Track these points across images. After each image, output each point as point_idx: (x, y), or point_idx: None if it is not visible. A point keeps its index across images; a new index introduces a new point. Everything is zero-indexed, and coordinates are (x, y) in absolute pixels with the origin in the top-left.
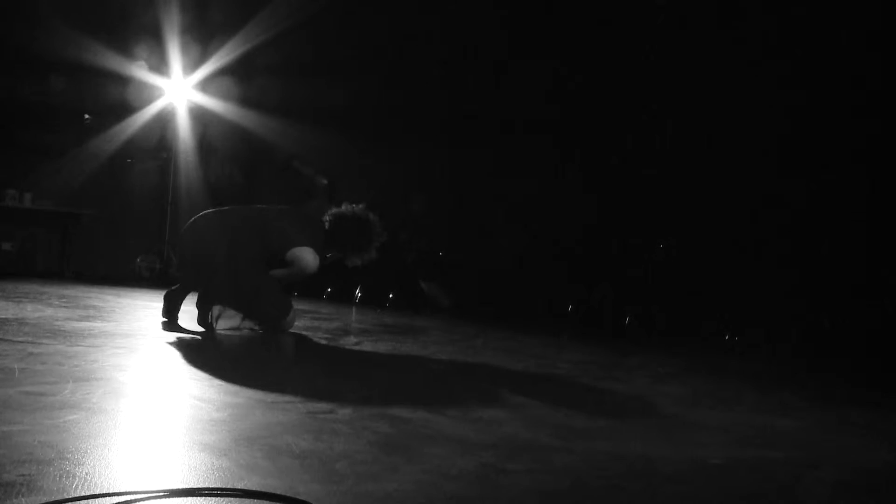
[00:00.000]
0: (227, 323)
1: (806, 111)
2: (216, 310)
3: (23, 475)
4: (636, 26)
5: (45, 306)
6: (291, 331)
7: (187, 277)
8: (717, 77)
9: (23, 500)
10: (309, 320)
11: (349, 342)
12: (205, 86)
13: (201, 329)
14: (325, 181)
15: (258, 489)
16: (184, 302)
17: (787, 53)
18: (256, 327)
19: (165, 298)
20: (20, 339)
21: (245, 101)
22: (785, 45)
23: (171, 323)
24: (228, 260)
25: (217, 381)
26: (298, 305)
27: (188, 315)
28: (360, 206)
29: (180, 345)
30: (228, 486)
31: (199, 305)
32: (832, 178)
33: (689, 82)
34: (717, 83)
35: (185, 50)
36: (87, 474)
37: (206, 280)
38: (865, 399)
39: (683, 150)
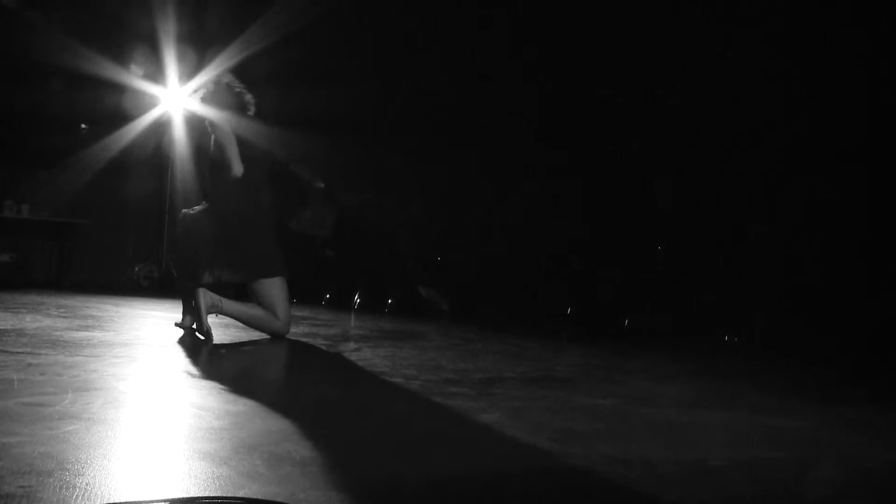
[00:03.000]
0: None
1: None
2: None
3: (23, 487)
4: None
5: (43, 316)
6: (289, 337)
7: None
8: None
9: None
10: (308, 326)
11: (348, 348)
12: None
13: (201, 337)
14: (322, 184)
15: (259, 497)
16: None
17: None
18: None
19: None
20: (19, 349)
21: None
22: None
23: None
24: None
25: (217, 390)
26: (297, 312)
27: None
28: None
29: (180, 353)
30: (229, 495)
31: (197, 314)
32: (829, 176)
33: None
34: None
35: (181, 58)
36: (87, 485)
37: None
38: (865, 397)
39: (679, 154)
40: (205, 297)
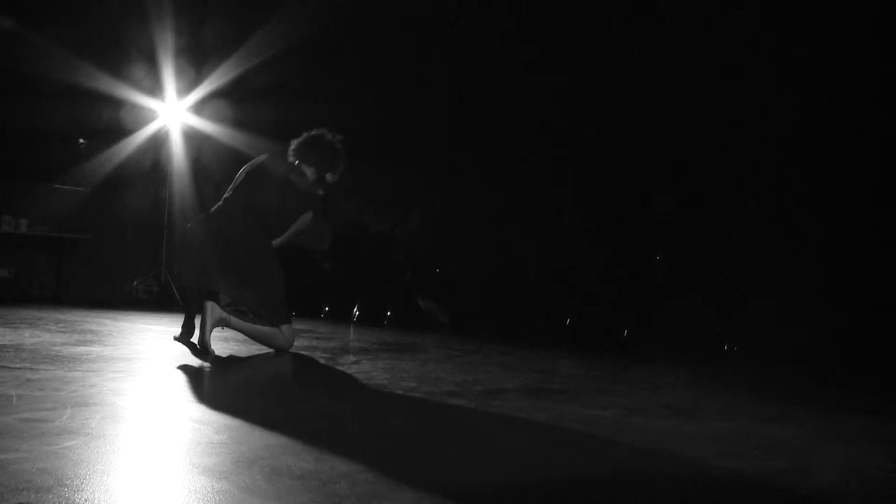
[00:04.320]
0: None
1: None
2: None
3: None
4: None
5: (42, 331)
6: (291, 350)
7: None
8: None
9: None
10: (307, 339)
11: (348, 361)
12: (199, 108)
13: (201, 350)
14: (321, 192)
15: None
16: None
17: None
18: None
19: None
20: (17, 365)
21: (239, 123)
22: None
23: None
24: (243, 250)
25: (216, 404)
26: (296, 325)
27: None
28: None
29: (179, 368)
30: None
31: (202, 327)
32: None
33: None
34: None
35: (179, 73)
36: (86, 500)
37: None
38: (865, 406)
39: (673, 162)
40: (213, 311)
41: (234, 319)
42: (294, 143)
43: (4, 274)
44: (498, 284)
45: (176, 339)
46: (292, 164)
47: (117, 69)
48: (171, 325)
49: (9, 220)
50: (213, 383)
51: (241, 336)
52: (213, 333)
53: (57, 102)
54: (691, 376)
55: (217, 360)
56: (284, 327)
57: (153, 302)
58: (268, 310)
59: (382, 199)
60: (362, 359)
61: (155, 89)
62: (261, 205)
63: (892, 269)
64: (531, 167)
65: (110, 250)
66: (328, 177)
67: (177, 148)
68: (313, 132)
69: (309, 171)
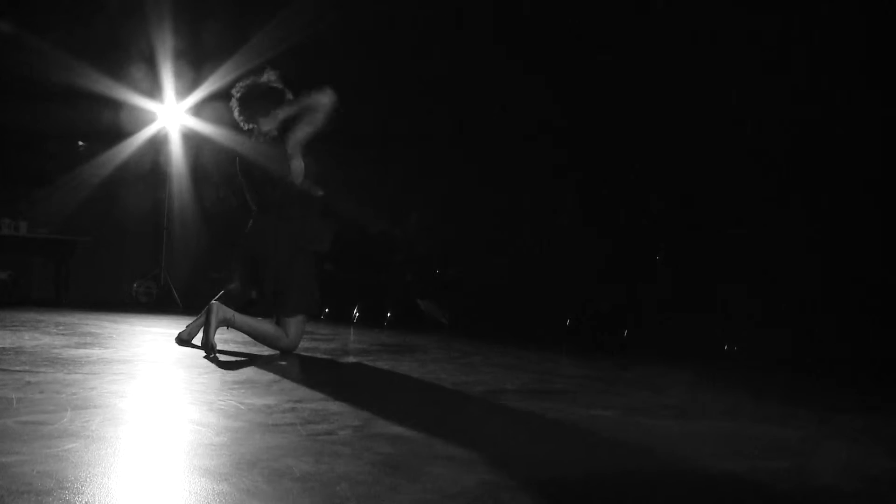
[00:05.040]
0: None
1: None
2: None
3: None
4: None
5: (42, 334)
6: (293, 352)
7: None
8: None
9: None
10: (307, 341)
11: (348, 362)
12: (198, 110)
13: (206, 350)
14: (321, 192)
15: None
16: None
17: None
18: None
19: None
20: (17, 368)
21: (238, 125)
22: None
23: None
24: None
25: (217, 406)
26: None
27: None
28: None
29: (179, 370)
30: None
31: (206, 327)
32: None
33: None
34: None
35: (178, 75)
36: (86, 503)
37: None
38: (865, 406)
39: (674, 157)
40: (218, 311)
41: (238, 319)
42: (235, 108)
43: (4, 277)
44: (498, 284)
45: (178, 339)
46: (275, 154)
47: (116, 71)
48: (170, 328)
49: (8, 223)
50: (212, 385)
51: (243, 337)
52: (216, 335)
53: (56, 105)
54: (691, 376)
55: (219, 362)
56: (292, 328)
57: (153, 304)
58: (298, 298)
59: (382, 199)
60: (362, 360)
61: (154, 91)
62: (270, 205)
63: (892, 269)
64: (531, 167)
65: (110, 253)
66: (281, 114)
67: (176, 150)
68: (242, 87)
69: (267, 125)
